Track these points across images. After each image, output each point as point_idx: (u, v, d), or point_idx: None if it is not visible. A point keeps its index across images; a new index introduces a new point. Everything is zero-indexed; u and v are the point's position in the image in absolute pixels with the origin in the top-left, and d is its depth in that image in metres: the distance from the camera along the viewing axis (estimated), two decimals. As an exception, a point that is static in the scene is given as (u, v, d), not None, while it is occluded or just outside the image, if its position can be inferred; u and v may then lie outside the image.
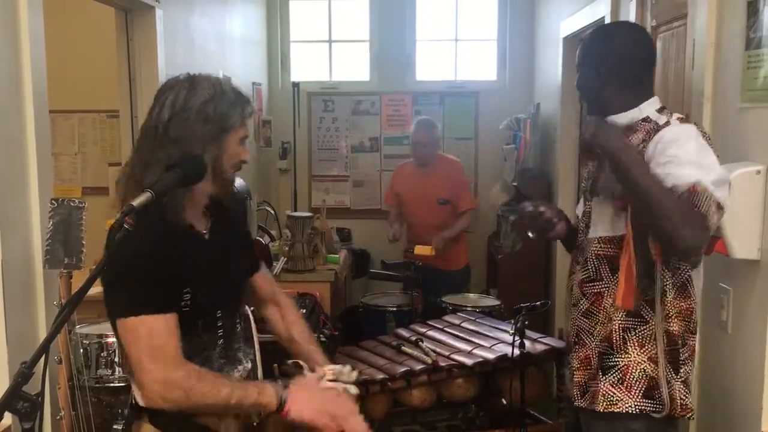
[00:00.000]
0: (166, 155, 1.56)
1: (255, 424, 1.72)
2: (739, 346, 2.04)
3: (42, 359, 1.28)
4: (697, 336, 1.92)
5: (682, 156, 1.73)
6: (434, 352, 2.95)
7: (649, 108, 1.92)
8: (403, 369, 2.82)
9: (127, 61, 3.49)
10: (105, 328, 2.72)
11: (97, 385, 2.64)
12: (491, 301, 4.13)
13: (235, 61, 4.93)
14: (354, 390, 1.79)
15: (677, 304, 1.86)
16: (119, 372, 2.65)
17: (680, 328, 1.86)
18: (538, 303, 2.85)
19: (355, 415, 1.68)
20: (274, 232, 4.72)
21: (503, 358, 2.91)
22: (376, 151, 6.01)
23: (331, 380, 1.78)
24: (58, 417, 2.25)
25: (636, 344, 1.87)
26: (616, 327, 1.89)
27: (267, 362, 1.90)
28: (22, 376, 1.26)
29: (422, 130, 4.53)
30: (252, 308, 1.94)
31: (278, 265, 4.03)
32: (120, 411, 2.66)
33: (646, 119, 1.90)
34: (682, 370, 1.87)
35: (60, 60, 3.49)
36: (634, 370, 1.86)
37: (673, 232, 1.64)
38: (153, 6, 3.44)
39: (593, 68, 1.96)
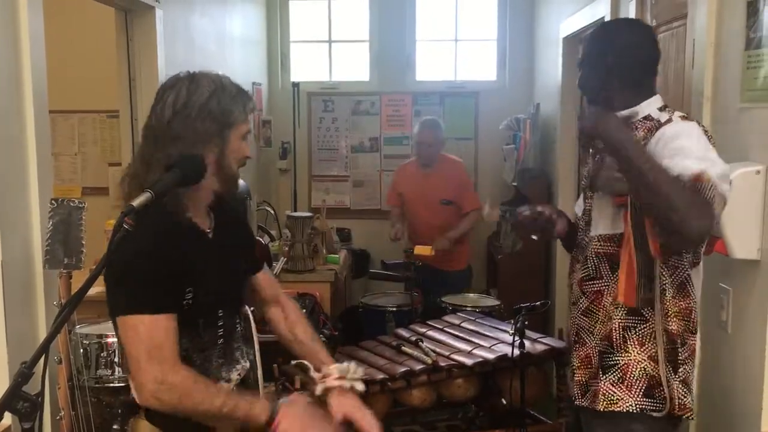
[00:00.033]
0: (166, 155, 1.57)
1: None
2: (739, 346, 2.04)
3: (42, 359, 1.29)
4: (698, 336, 1.92)
5: (686, 149, 1.71)
6: (434, 352, 2.95)
7: (649, 107, 1.91)
8: (403, 369, 2.82)
9: (127, 61, 3.49)
10: (105, 328, 2.72)
11: (97, 385, 2.64)
12: (491, 301, 4.12)
13: (235, 61, 4.93)
14: (361, 386, 1.82)
15: (676, 303, 1.86)
16: (119, 372, 2.64)
17: (679, 327, 1.86)
18: (537, 303, 2.85)
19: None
20: (274, 232, 4.73)
21: (503, 358, 2.91)
22: (376, 152, 6.01)
23: (337, 378, 1.79)
24: (58, 417, 2.25)
25: (636, 343, 1.87)
26: (616, 325, 1.89)
27: (267, 362, 1.90)
28: (22, 376, 1.26)
29: (427, 129, 4.52)
30: (252, 308, 1.94)
31: (278, 265, 4.03)
32: (119, 411, 2.66)
33: (647, 117, 1.90)
34: (680, 370, 1.86)
35: (60, 60, 3.50)
36: (634, 369, 1.86)
37: (679, 219, 1.59)
38: (153, 6, 3.44)
39: (593, 68, 1.97)
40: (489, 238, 5.54)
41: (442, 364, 2.88)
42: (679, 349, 1.86)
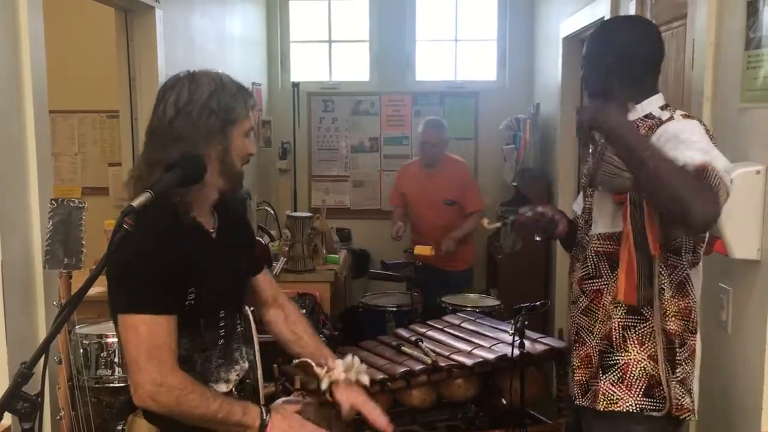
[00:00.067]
0: (167, 155, 1.57)
1: None
2: (739, 346, 2.04)
3: (42, 359, 1.29)
4: (698, 336, 1.92)
5: (689, 143, 1.70)
6: (434, 352, 2.95)
7: (651, 105, 1.91)
8: (402, 369, 2.82)
9: (127, 61, 3.49)
10: (105, 328, 2.72)
11: (96, 386, 2.64)
12: (491, 302, 4.13)
13: (235, 61, 4.93)
14: (366, 379, 1.84)
15: (675, 302, 1.86)
16: (119, 372, 2.65)
17: (678, 327, 1.86)
18: (537, 303, 2.86)
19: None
20: (273, 232, 4.73)
21: (503, 358, 2.91)
22: (376, 152, 6.01)
23: (343, 371, 1.80)
24: (57, 417, 2.25)
25: (636, 342, 1.87)
26: (616, 325, 1.88)
27: (267, 362, 1.91)
28: (22, 376, 1.26)
29: (431, 129, 4.52)
30: (252, 309, 1.94)
31: (278, 265, 4.03)
32: (119, 410, 2.66)
33: (648, 116, 1.90)
34: (678, 370, 1.86)
35: (60, 60, 3.49)
36: (634, 369, 1.86)
37: (685, 207, 1.55)
38: (153, 6, 3.44)
39: (593, 68, 1.97)
40: (489, 238, 5.51)
41: (442, 364, 2.88)
42: (678, 349, 1.86)
